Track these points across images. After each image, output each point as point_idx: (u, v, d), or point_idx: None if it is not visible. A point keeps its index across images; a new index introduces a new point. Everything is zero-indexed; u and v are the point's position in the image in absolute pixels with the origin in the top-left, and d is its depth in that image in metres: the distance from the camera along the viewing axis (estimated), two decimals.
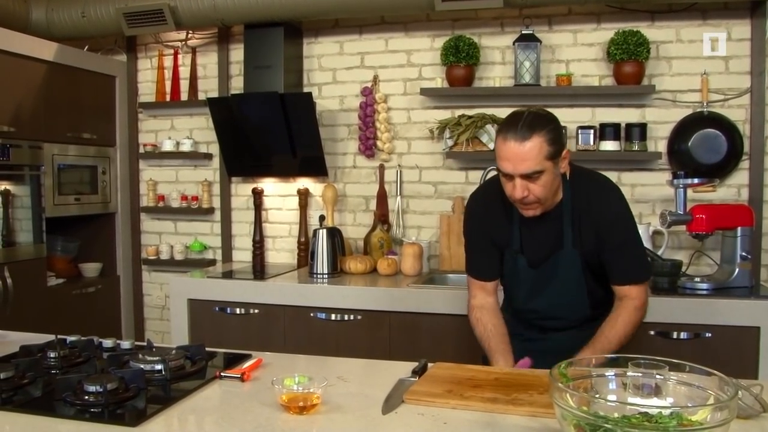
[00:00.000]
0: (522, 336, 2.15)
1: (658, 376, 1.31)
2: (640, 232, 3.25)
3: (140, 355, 1.74)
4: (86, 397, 1.47)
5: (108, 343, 1.97)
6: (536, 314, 2.12)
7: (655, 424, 1.11)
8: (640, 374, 1.33)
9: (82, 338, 1.97)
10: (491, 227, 2.10)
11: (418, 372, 1.69)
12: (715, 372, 1.27)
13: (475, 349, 2.98)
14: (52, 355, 1.80)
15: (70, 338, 1.97)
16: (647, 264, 2.14)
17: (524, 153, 1.81)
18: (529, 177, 1.84)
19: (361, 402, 1.50)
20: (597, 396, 1.27)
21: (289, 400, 1.42)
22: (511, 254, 2.08)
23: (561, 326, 2.10)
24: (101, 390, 1.47)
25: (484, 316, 2.12)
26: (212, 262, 4.20)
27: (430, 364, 1.75)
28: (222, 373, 1.69)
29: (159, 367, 1.68)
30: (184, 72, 4.20)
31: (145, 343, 1.97)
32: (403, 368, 1.74)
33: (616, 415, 1.15)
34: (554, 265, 2.02)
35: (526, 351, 2.03)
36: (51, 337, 1.98)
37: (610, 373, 1.34)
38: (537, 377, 1.63)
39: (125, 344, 1.95)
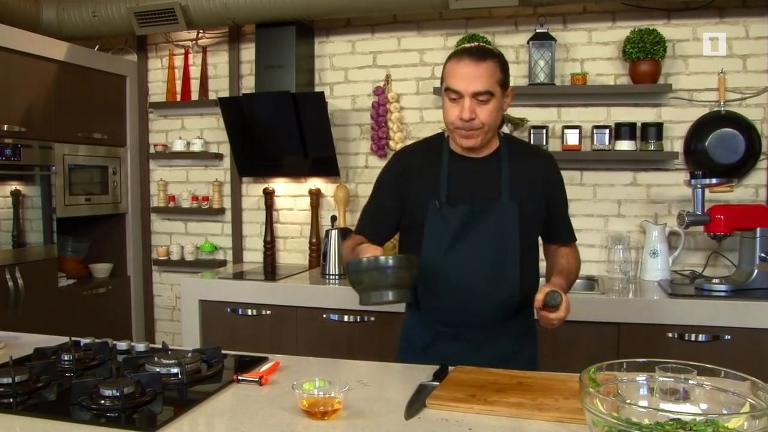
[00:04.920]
0: (437, 331, 1.99)
1: (691, 382, 1.27)
2: (650, 230, 3.32)
3: (156, 358, 1.71)
4: (102, 402, 1.45)
5: (122, 345, 1.94)
6: (463, 275, 1.90)
7: None
8: (671, 379, 1.29)
9: (96, 340, 1.95)
10: (419, 178, 1.98)
11: (439, 376, 1.66)
12: (749, 377, 1.23)
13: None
14: (67, 357, 1.77)
15: (84, 340, 1.94)
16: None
17: (479, 71, 1.83)
18: (479, 98, 1.84)
19: (382, 407, 1.47)
20: (628, 401, 1.24)
21: (310, 405, 1.39)
22: (435, 206, 1.93)
23: (481, 308, 1.92)
24: (118, 394, 1.44)
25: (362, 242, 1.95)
26: (223, 263, 4.18)
27: (450, 368, 1.72)
28: (239, 377, 1.66)
29: (175, 370, 1.65)
30: (195, 72, 4.19)
31: (159, 345, 1.94)
32: (422, 371, 1.71)
33: (647, 421, 1.12)
34: (488, 214, 1.92)
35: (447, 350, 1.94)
36: (64, 339, 1.96)
37: (641, 377, 1.31)
38: (561, 381, 1.60)
39: (140, 347, 1.92)
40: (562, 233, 2.10)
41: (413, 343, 2.03)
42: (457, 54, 1.90)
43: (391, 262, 1.60)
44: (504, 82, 1.89)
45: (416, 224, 1.97)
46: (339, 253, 3.51)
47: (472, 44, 1.93)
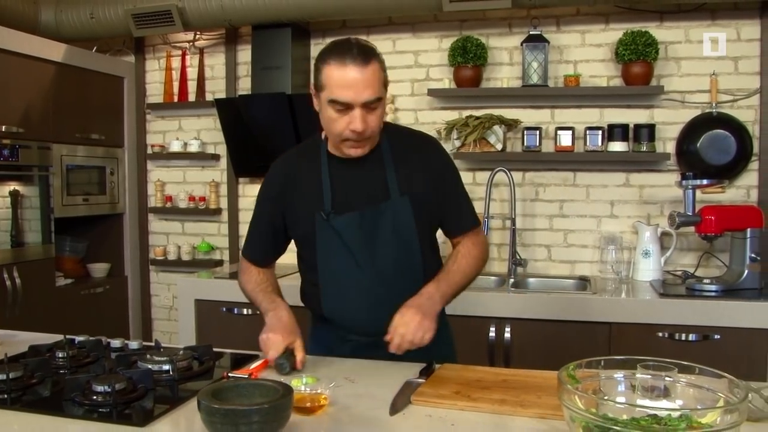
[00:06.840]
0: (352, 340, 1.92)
1: (667, 378, 1.30)
2: (642, 231, 3.33)
3: (148, 356, 1.74)
4: (94, 397, 1.47)
5: (116, 343, 1.98)
6: (367, 283, 1.84)
7: (664, 427, 1.10)
8: (649, 376, 1.32)
9: (91, 338, 1.98)
10: (300, 189, 1.87)
11: (425, 373, 1.68)
12: (725, 374, 1.26)
13: (477, 350, 2.99)
14: (61, 355, 1.80)
15: (79, 338, 1.97)
16: (475, 211, 2.01)
17: (366, 77, 1.66)
18: (368, 106, 1.69)
19: (368, 403, 1.50)
20: (606, 398, 1.27)
21: (297, 401, 1.42)
22: (321, 217, 1.83)
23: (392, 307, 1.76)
24: (109, 390, 1.47)
25: (261, 273, 2.12)
26: (219, 263, 4.21)
27: (437, 365, 1.75)
28: (229, 374, 1.69)
29: (167, 367, 1.68)
30: (192, 73, 4.22)
31: (152, 344, 1.97)
32: (410, 369, 1.73)
33: (624, 417, 1.15)
34: (381, 215, 1.82)
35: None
36: (59, 337, 1.99)
37: (619, 375, 1.34)
38: (545, 379, 1.62)
39: (133, 344, 1.95)
40: (460, 220, 1.95)
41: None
42: (338, 57, 1.67)
43: (255, 417, 1.23)
44: (386, 81, 1.75)
45: (308, 239, 1.89)
46: None
47: (348, 40, 1.72)
